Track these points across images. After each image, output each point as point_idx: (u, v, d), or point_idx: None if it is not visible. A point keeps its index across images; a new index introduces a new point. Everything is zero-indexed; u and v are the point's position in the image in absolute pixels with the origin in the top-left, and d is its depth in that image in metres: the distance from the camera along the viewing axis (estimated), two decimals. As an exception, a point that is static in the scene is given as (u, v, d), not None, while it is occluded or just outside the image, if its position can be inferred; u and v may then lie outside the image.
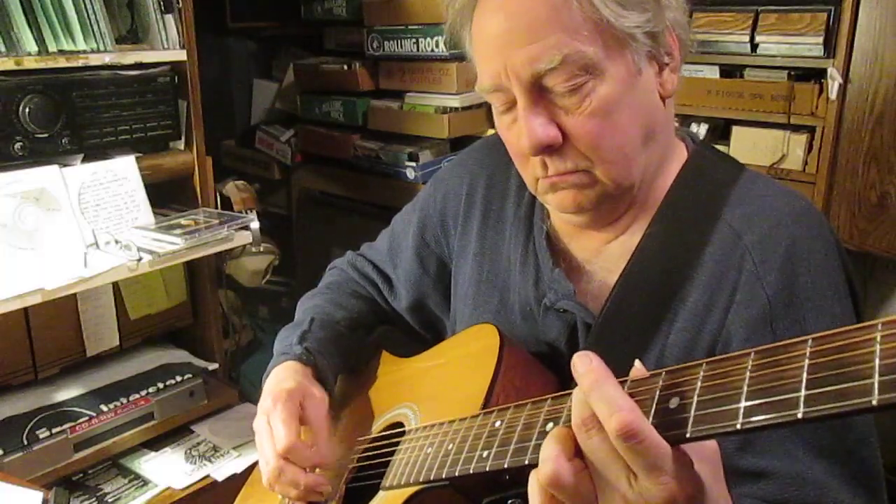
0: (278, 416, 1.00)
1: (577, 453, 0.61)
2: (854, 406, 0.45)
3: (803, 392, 0.48)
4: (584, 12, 0.81)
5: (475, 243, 1.10)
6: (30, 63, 1.60)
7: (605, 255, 0.95)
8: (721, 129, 1.98)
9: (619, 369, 0.65)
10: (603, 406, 0.58)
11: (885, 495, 0.82)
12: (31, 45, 1.60)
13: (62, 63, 1.64)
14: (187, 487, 1.73)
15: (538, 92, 0.83)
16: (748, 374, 0.53)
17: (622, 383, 0.63)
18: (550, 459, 0.61)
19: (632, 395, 0.60)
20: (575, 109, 0.83)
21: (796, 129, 1.83)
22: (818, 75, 1.78)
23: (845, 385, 0.46)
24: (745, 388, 0.52)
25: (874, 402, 0.44)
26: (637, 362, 0.64)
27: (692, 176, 0.93)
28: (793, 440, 0.80)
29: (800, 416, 0.48)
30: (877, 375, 0.44)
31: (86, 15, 1.67)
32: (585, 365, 0.60)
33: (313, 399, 1.05)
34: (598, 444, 0.59)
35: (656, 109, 0.89)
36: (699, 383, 0.56)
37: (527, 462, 0.68)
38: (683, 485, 0.57)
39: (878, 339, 0.46)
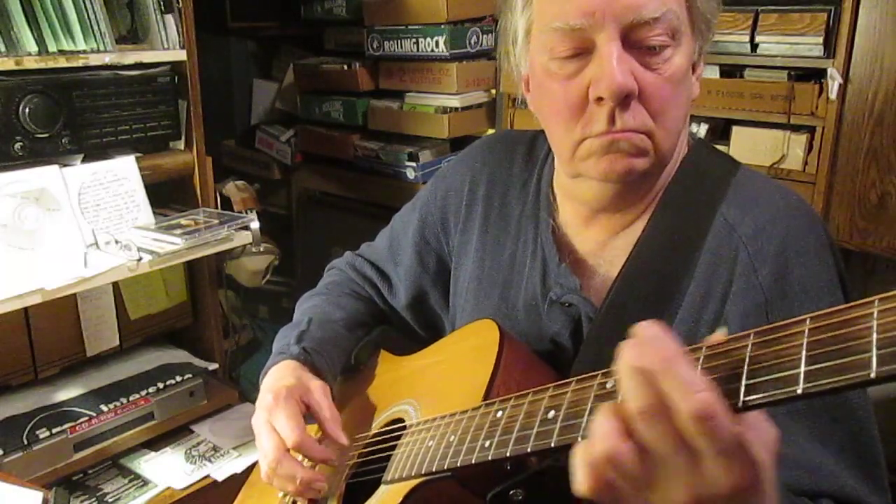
0: (281, 412, 0.99)
1: (630, 434, 0.56)
2: (853, 380, 0.45)
3: (802, 368, 0.49)
4: None
5: (477, 240, 1.10)
6: (30, 63, 1.60)
7: (609, 249, 0.96)
8: (721, 129, 1.98)
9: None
10: (678, 387, 0.53)
11: (886, 481, 0.83)
12: (31, 45, 1.60)
13: (62, 63, 1.65)
14: (187, 487, 1.73)
15: (626, 41, 0.83)
16: (748, 354, 0.53)
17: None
18: (608, 437, 0.56)
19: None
20: (655, 68, 0.84)
21: (796, 129, 1.83)
22: (818, 75, 1.78)
23: (844, 360, 0.46)
24: (746, 368, 0.53)
25: (873, 375, 0.44)
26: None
27: (690, 171, 0.94)
28: (795, 430, 0.80)
29: (799, 391, 0.48)
30: (875, 349, 0.45)
31: (86, 15, 1.68)
32: (653, 342, 0.55)
33: (315, 390, 1.04)
34: (663, 432, 0.54)
35: (689, 104, 0.91)
36: (700, 366, 0.56)
37: (529, 450, 0.68)
38: (748, 471, 0.53)
39: (875, 314, 0.46)
